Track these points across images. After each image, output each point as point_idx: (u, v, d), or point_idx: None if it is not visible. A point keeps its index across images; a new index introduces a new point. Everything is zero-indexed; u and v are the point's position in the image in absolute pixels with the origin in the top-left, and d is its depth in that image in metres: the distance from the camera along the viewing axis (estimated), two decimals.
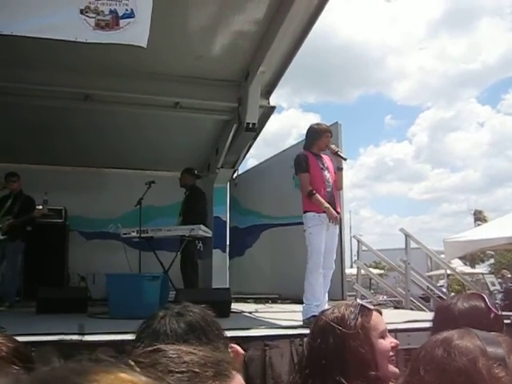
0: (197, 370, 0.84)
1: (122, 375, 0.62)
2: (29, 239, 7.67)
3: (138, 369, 0.77)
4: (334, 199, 5.34)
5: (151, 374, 0.76)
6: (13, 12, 4.24)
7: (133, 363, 0.81)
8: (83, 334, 4.04)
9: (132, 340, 1.49)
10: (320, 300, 5.07)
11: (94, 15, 4.26)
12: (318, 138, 5.41)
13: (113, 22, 4.32)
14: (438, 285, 13.46)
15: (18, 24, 4.23)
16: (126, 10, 4.33)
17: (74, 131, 8.65)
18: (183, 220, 7.44)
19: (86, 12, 4.26)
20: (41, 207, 7.24)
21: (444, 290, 12.91)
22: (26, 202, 7.49)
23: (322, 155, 5.48)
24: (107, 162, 9.77)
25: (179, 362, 0.85)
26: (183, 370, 0.84)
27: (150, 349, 0.92)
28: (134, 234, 6.92)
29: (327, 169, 5.42)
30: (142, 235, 6.82)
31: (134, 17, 4.34)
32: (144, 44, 4.37)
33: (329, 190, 5.32)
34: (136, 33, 4.37)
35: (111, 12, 4.30)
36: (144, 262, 7.04)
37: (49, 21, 4.26)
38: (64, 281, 8.83)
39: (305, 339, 3.86)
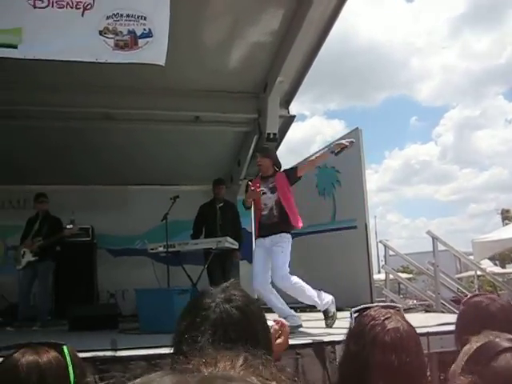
0: None
1: None
2: (58, 259, 7.79)
3: None
4: (271, 220, 5.55)
5: None
6: (35, 37, 4.36)
7: None
8: (116, 350, 4.08)
9: (180, 333, 1.33)
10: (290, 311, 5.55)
11: (112, 36, 4.37)
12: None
13: (131, 41, 4.42)
14: (473, 289, 13.25)
15: (41, 48, 4.35)
16: (144, 29, 4.43)
17: (98, 150, 8.76)
18: (223, 233, 7.45)
19: (105, 33, 4.37)
20: (71, 226, 7.36)
21: (476, 291, 12.71)
22: (54, 223, 7.61)
23: (273, 176, 5.64)
24: (132, 179, 9.86)
25: None
26: None
27: None
28: (161, 249, 6.97)
29: (270, 189, 5.58)
30: (169, 250, 6.87)
31: (151, 36, 4.44)
32: (162, 62, 4.46)
33: (265, 212, 5.58)
34: (154, 52, 4.46)
35: (129, 32, 4.41)
36: (172, 276, 7.09)
37: (69, 43, 4.38)
38: (94, 298, 8.92)
39: (337, 346, 3.87)
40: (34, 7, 4.37)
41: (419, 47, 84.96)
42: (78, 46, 4.41)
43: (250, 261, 10.13)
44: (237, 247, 7.47)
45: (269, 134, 7.79)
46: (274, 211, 5.56)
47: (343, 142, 5.41)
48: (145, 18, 4.44)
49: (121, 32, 4.39)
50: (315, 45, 7.59)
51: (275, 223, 5.54)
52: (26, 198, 9.15)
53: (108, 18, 4.39)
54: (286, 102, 8.59)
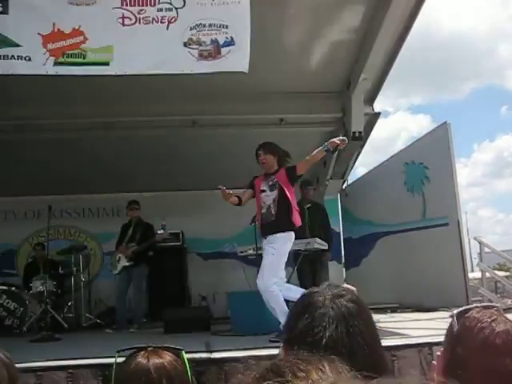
0: None
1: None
2: (151, 263, 8.06)
3: None
4: (268, 219, 5.45)
5: None
6: (125, 53, 4.56)
7: None
8: (211, 352, 4.17)
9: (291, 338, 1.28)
10: None
11: (196, 46, 4.49)
12: None
13: (214, 51, 4.52)
14: None
15: (130, 64, 4.55)
16: (227, 38, 4.52)
17: (185, 156, 8.98)
18: (312, 234, 7.53)
19: (190, 44, 4.50)
20: (162, 231, 7.60)
21: None
22: (147, 229, 7.90)
23: (275, 173, 5.56)
24: (218, 183, 10.00)
25: None
26: None
27: None
28: (250, 252, 7.05)
29: (270, 187, 5.53)
30: (259, 252, 6.93)
31: (234, 44, 4.52)
32: (245, 69, 4.54)
33: (263, 211, 5.53)
34: (237, 59, 4.55)
35: (212, 42, 4.51)
36: None
37: (157, 57, 4.56)
38: (186, 301, 9.15)
39: (434, 348, 3.75)
40: (123, 25, 4.57)
41: (508, 33, 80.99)
42: (165, 60, 4.58)
43: (340, 261, 10.13)
44: (326, 248, 7.46)
45: (354, 132, 7.70)
46: (271, 210, 5.48)
47: (335, 140, 5.14)
48: (226, 27, 4.53)
49: (204, 42, 4.50)
50: (398, 39, 7.41)
51: (272, 222, 5.44)
52: (119, 206, 9.55)
53: (191, 28, 4.52)
54: (370, 99, 8.44)
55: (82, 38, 4.52)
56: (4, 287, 7.99)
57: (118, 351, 1.48)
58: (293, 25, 7.00)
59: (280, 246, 5.37)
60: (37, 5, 4.60)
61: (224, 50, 4.52)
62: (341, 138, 5.14)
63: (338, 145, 5.09)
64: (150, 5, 4.64)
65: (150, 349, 1.45)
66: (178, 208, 9.66)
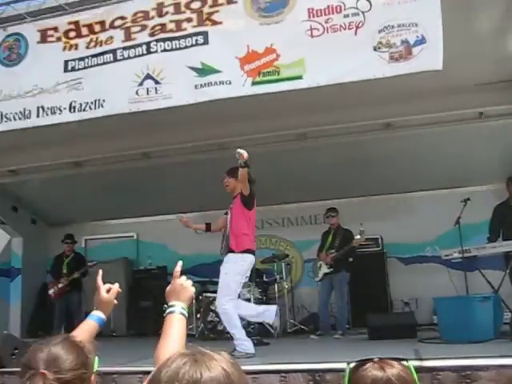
0: None
1: None
2: (352, 269, 8.09)
3: None
4: (225, 242, 5.82)
5: None
6: (316, 64, 4.66)
7: None
8: (422, 360, 4.06)
9: None
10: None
11: (386, 49, 4.42)
12: None
13: (405, 51, 4.42)
14: None
15: (323, 74, 4.63)
16: (417, 36, 4.39)
17: (377, 161, 8.87)
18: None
19: (379, 48, 4.45)
20: (358, 237, 7.64)
21: None
22: (345, 235, 7.99)
23: (235, 198, 5.88)
24: (414, 186, 9.74)
25: None
26: None
27: None
28: (456, 255, 6.75)
29: (229, 210, 5.93)
30: (465, 255, 6.60)
31: (425, 42, 4.38)
32: (439, 67, 4.36)
33: (224, 232, 5.95)
34: (430, 57, 4.39)
35: (403, 42, 4.41)
36: (470, 282, 6.81)
37: (347, 65, 4.58)
38: (388, 307, 9.02)
39: None
40: (312, 37, 4.68)
41: None
42: (356, 66, 4.57)
43: None
44: None
45: None
46: (226, 232, 5.84)
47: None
48: (416, 25, 4.39)
49: (394, 44, 4.41)
50: None
51: (227, 243, 5.78)
52: (317, 214, 9.78)
53: (380, 31, 4.46)
54: None
55: (274, 55, 4.73)
56: (215, 295, 8.58)
57: (348, 363, 1.56)
58: (486, 9, 6.54)
59: (232, 267, 5.67)
60: (232, 31, 4.92)
61: (415, 50, 4.38)
62: (236, 151, 5.18)
63: (238, 158, 5.20)
64: (337, 12, 4.68)
65: (375, 359, 1.50)
66: (376, 213, 9.58)
